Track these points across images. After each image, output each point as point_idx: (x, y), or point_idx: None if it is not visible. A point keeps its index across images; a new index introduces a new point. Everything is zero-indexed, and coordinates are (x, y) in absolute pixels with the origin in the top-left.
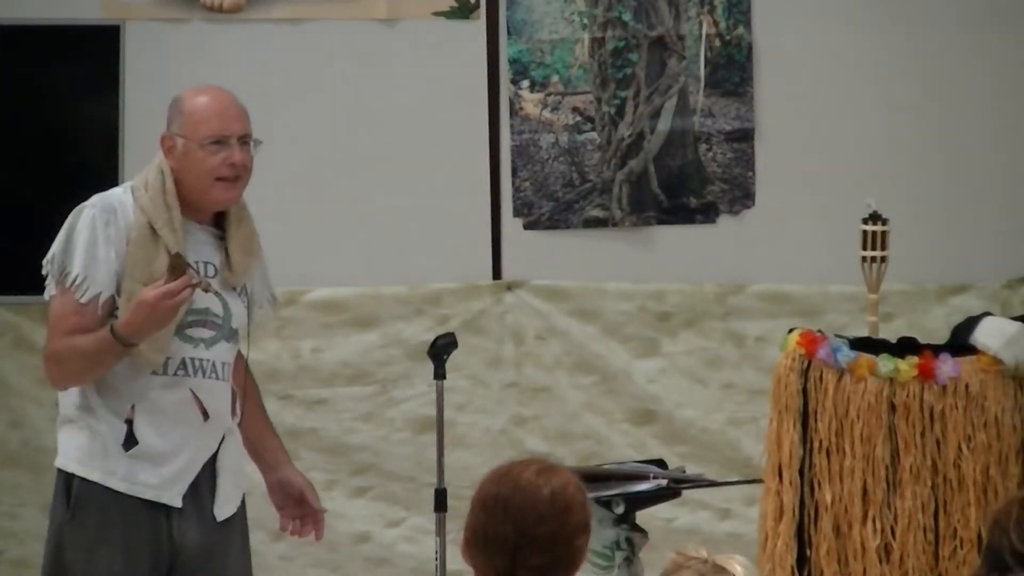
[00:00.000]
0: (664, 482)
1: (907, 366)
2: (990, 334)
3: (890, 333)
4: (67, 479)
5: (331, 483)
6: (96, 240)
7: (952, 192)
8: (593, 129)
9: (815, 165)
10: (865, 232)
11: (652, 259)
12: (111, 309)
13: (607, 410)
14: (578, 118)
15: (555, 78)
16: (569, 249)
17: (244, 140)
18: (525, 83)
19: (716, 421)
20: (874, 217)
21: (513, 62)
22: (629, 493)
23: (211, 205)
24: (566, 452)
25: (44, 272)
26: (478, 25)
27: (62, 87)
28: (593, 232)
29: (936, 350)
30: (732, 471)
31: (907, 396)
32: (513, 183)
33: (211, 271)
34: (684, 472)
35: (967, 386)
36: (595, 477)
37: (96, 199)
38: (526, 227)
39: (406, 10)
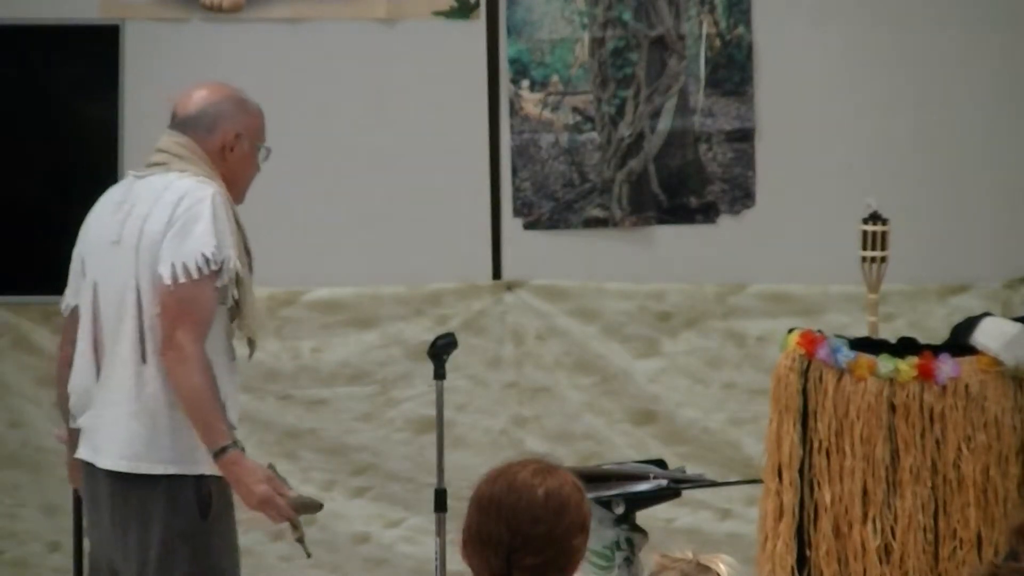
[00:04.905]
0: (664, 482)
1: (907, 366)
2: (990, 335)
3: (890, 333)
4: (196, 482)
5: (331, 483)
6: (229, 227)
7: (952, 192)
8: (593, 129)
9: (815, 165)
10: (865, 232)
11: (652, 259)
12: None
13: (607, 410)
14: (578, 118)
15: (555, 78)
16: (569, 249)
17: None
18: (525, 83)
19: (716, 421)
20: (874, 217)
21: (513, 62)
22: (629, 493)
23: (235, 202)
24: (566, 452)
25: (202, 259)
26: (478, 25)
27: (61, 87)
28: (593, 232)
29: (936, 350)
30: (732, 471)
31: (907, 396)
32: (513, 183)
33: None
34: (684, 472)
35: (967, 386)
36: (595, 477)
37: (207, 184)
38: (526, 227)
39: (406, 10)
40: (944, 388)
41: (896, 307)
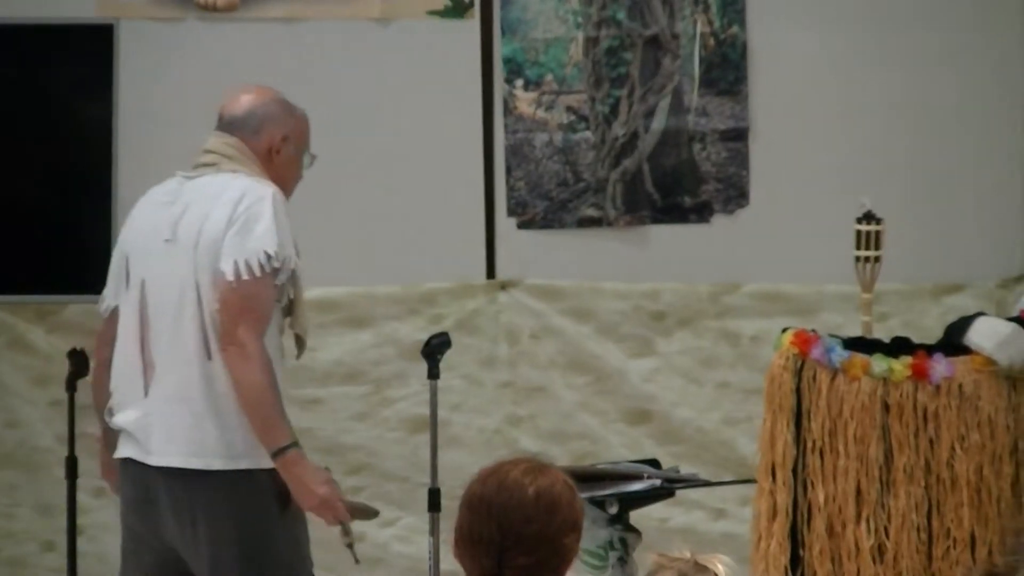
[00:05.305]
0: (658, 482)
1: (901, 366)
2: (984, 334)
3: (884, 333)
4: (273, 475)
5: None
6: (288, 225)
7: (947, 191)
8: (587, 128)
9: (809, 164)
10: (859, 231)
11: (646, 258)
12: None
13: (602, 410)
14: (572, 117)
15: (549, 77)
16: (563, 248)
17: None
18: (519, 82)
19: (711, 421)
20: (868, 216)
21: (507, 61)
22: (623, 493)
23: None
24: (560, 452)
25: (264, 257)
26: (472, 24)
27: (56, 86)
28: (587, 231)
29: (930, 350)
30: (727, 471)
31: (901, 396)
32: (507, 182)
33: None
34: (678, 472)
35: (961, 386)
36: (589, 477)
37: (265, 183)
38: (520, 226)
39: (400, 9)
40: (938, 388)
41: (890, 307)
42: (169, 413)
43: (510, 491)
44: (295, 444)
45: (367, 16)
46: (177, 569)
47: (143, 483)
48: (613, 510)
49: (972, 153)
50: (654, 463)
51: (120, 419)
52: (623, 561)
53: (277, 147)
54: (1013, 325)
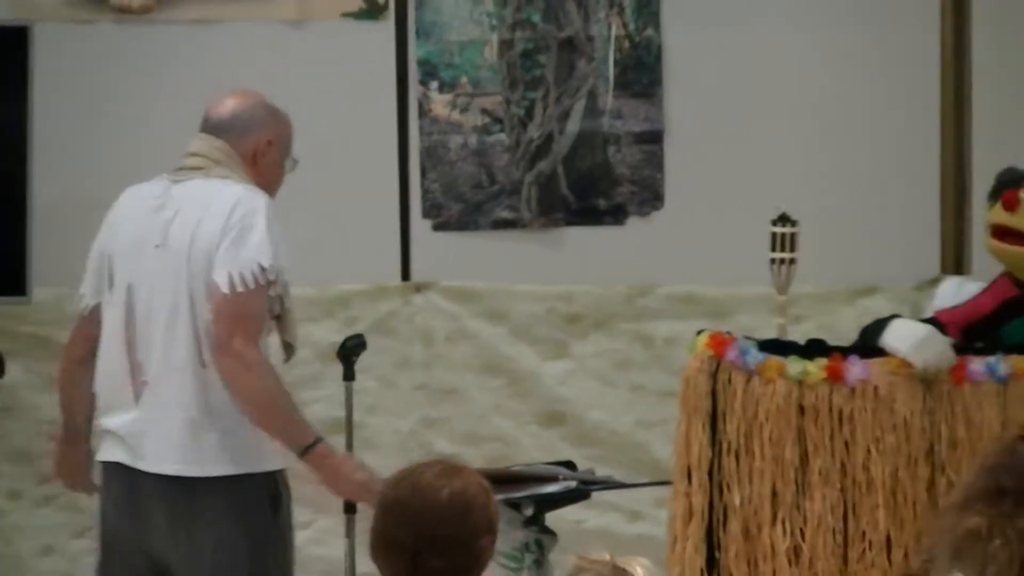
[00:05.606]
0: (573, 484)
1: (816, 368)
2: (899, 336)
3: (800, 335)
4: (266, 479)
5: None
6: (281, 236)
7: (862, 194)
8: (502, 131)
9: (724, 167)
10: (774, 234)
11: (561, 261)
12: None
13: (516, 412)
14: (487, 119)
15: (464, 79)
16: (478, 250)
17: None
18: (434, 84)
19: (625, 423)
20: (783, 219)
21: (422, 63)
22: (538, 495)
23: None
24: (475, 454)
25: (258, 269)
26: (387, 26)
27: None
28: (502, 233)
29: (845, 352)
30: (641, 473)
31: (816, 398)
32: (422, 184)
33: None
34: (593, 474)
35: (876, 389)
36: (504, 479)
37: (257, 192)
38: (435, 228)
39: (315, 11)
40: (853, 390)
41: (805, 309)
42: (163, 420)
43: (424, 494)
44: (320, 439)
45: (282, 18)
46: (158, 572)
47: (132, 487)
48: (528, 512)
49: (888, 155)
50: (570, 465)
51: (107, 422)
52: (539, 563)
53: (262, 151)
54: (928, 327)
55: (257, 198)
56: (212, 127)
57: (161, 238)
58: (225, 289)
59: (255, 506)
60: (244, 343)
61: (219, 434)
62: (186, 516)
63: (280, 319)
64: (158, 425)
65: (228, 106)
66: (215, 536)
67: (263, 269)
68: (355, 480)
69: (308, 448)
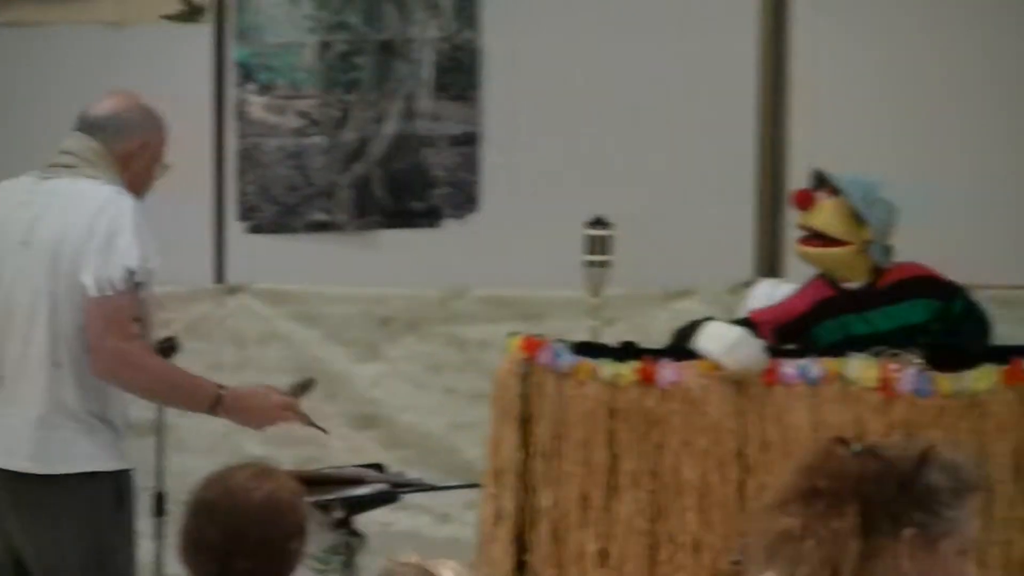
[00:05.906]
0: (383, 486)
1: (628, 371)
2: (712, 339)
3: (613, 338)
4: (113, 478)
5: None
6: (149, 238)
7: (677, 197)
8: (319, 133)
9: (540, 170)
10: (589, 236)
11: (376, 263)
12: None
13: (327, 414)
14: (304, 122)
15: (281, 82)
16: (293, 253)
17: None
18: (252, 86)
19: (437, 426)
20: (598, 221)
21: (240, 65)
22: (348, 497)
23: None
24: (286, 456)
25: (126, 273)
26: (206, 29)
27: None
28: (317, 236)
29: (657, 355)
30: (453, 476)
31: (627, 401)
32: (239, 186)
33: None
34: (403, 476)
35: (688, 391)
36: (314, 481)
37: (124, 194)
38: (250, 231)
39: (134, 14)
40: (664, 392)
41: (618, 311)
42: (15, 416)
43: (235, 496)
44: (222, 387)
45: (100, 21)
46: (16, 564)
47: None
48: (338, 514)
49: (702, 159)
50: (378, 467)
51: None
52: (347, 565)
53: (136, 153)
54: (741, 330)
55: (124, 200)
56: (88, 126)
57: (25, 236)
58: (94, 292)
59: (100, 504)
60: (118, 341)
61: (68, 432)
62: (33, 511)
63: (141, 321)
64: (10, 420)
65: (106, 106)
66: (59, 532)
67: (131, 272)
68: (275, 402)
69: (217, 400)
